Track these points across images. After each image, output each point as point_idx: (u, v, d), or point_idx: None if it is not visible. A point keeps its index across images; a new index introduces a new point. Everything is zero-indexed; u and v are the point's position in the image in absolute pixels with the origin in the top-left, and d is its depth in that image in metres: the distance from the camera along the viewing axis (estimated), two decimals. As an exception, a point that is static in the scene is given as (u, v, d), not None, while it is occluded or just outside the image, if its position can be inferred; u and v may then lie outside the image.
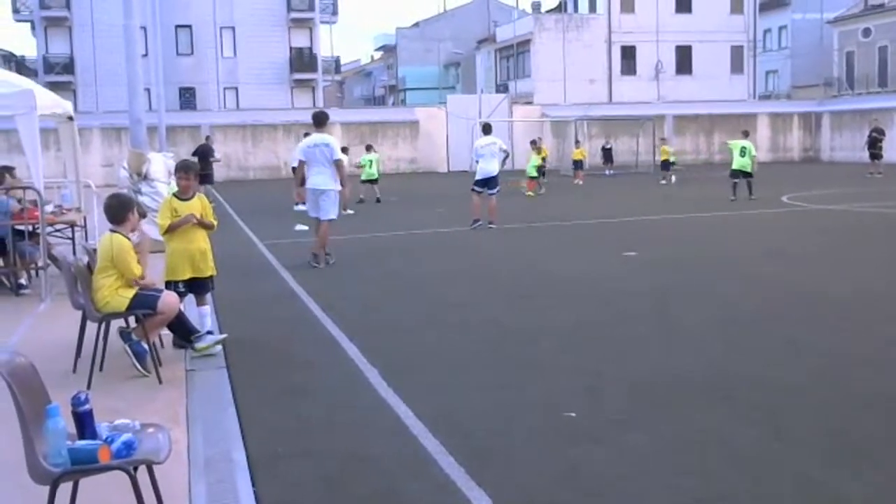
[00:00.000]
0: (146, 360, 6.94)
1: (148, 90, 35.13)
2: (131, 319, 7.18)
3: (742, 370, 6.81)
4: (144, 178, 14.37)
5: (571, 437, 5.43)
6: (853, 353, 7.32)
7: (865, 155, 35.49)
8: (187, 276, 7.86)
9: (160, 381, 6.73)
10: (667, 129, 48.76)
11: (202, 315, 8.11)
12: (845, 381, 6.47)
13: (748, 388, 6.31)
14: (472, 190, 17.88)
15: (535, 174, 28.07)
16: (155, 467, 4.09)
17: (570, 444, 5.30)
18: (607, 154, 40.13)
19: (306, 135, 25.25)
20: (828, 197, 23.68)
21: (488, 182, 17.55)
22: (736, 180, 23.25)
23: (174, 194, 8.13)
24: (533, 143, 29.47)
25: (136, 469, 3.90)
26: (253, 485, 4.81)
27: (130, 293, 6.87)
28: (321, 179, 12.66)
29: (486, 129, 18.48)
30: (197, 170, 8.33)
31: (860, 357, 7.18)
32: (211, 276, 8.10)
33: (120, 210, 6.98)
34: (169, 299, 7.12)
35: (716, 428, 5.50)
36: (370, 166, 25.87)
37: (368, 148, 27.73)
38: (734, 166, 23.50)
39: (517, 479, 4.79)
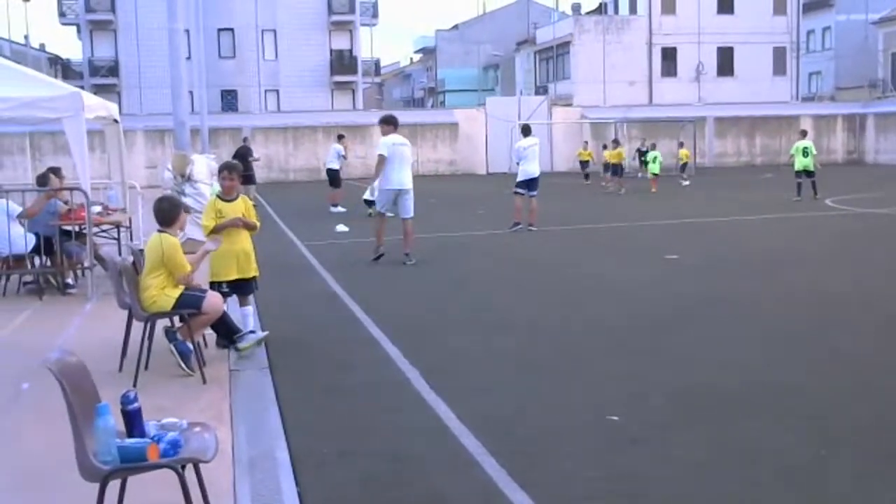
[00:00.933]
0: (191, 359, 7.02)
1: (191, 93, 35.55)
2: (176, 319, 7.27)
3: (784, 378, 6.72)
4: (188, 179, 14.50)
5: (613, 440, 5.41)
6: (900, 358, 7.22)
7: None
8: (232, 276, 7.94)
9: (204, 381, 6.81)
10: (708, 131, 48.39)
11: (245, 315, 8.18)
12: (892, 390, 6.36)
13: (791, 397, 6.23)
14: (515, 192, 17.85)
15: (657, 171, 29.67)
16: (201, 466, 4.14)
17: (612, 447, 5.29)
18: (642, 156, 39.70)
19: (340, 136, 25.58)
20: (872, 200, 23.34)
21: (530, 183, 17.51)
22: (800, 180, 23.86)
23: (218, 195, 8.21)
24: (653, 145, 30.28)
25: (183, 467, 3.95)
26: (297, 484, 4.85)
27: (176, 293, 6.96)
28: (406, 178, 13.17)
29: (526, 130, 18.46)
30: (240, 170, 8.42)
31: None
32: (254, 277, 8.18)
33: (171, 211, 7.09)
34: (213, 300, 7.20)
35: (759, 436, 5.43)
36: None
37: None
38: (798, 167, 24.02)
39: (559, 481, 4.79)
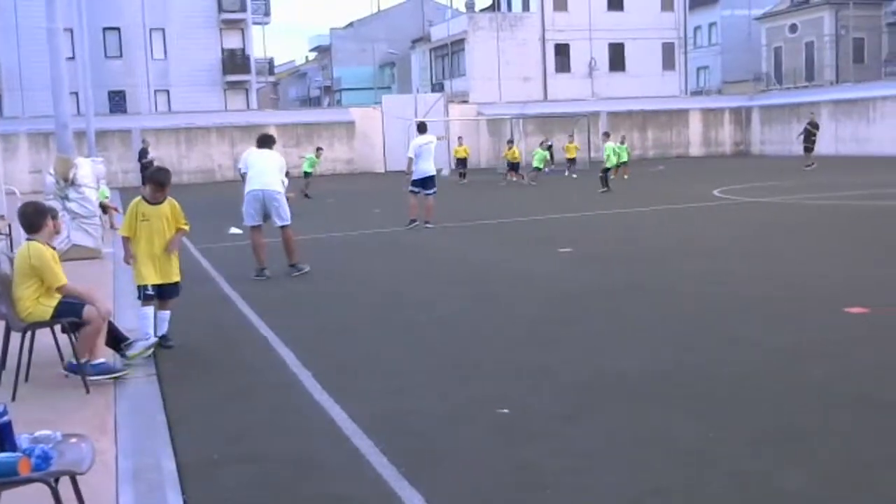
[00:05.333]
0: (114, 367, 6.84)
1: (76, 94, 34.49)
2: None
3: (684, 365, 6.83)
4: (72, 183, 14.07)
5: (511, 435, 5.41)
6: (789, 345, 7.38)
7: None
8: (153, 280, 7.77)
9: (87, 391, 6.58)
10: (601, 125, 49.26)
11: (162, 319, 7.95)
12: (784, 374, 6.50)
13: (690, 383, 6.32)
14: (410, 190, 17.81)
15: (625, 159, 31.64)
16: (80, 478, 4.00)
17: (509, 441, 5.29)
18: (548, 151, 40.01)
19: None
20: (758, 190, 24.12)
21: (425, 182, 17.47)
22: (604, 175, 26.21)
23: (143, 198, 7.94)
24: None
25: (57, 481, 3.81)
26: (183, 492, 4.72)
27: (53, 302, 6.68)
28: (270, 180, 11.93)
29: (421, 127, 18.35)
30: (167, 181, 8.12)
31: (797, 349, 7.23)
32: (177, 282, 8.02)
33: (36, 217, 6.81)
34: (96, 310, 6.91)
35: (658, 423, 5.51)
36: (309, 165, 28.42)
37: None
38: (611, 164, 26.73)
39: (452, 478, 4.77)
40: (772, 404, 5.81)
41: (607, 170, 26.44)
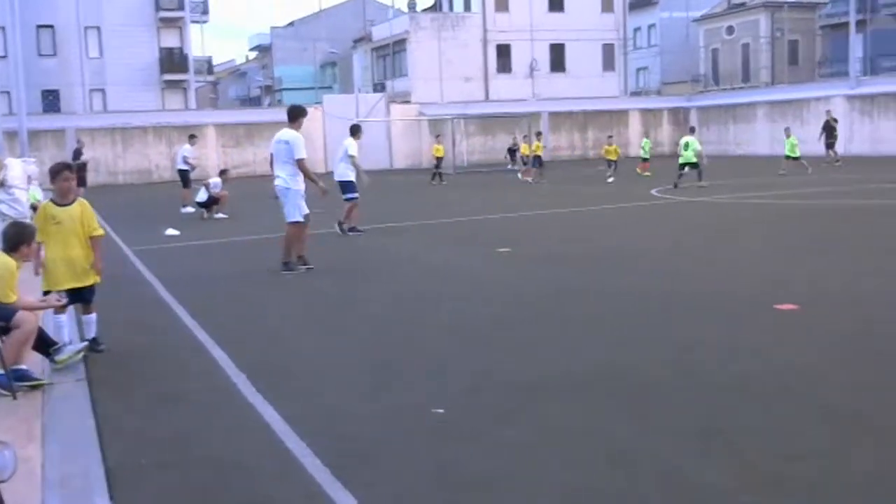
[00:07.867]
0: (31, 375, 6.62)
1: (8, 93, 33.74)
2: None
3: (617, 364, 6.88)
4: (2, 184, 13.77)
5: (447, 435, 5.40)
6: (720, 343, 7.48)
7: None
8: (68, 285, 7.54)
9: (14, 397, 6.42)
10: (543, 125, 49.61)
11: (89, 323, 7.76)
12: (714, 372, 6.58)
13: (623, 382, 6.37)
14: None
15: (647, 157, 33.02)
16: (4, 486, 3.89)
17: (445, 442, 5.28)
18: (512, 153, 41.90)
19: (191, 136, 24.93)
20: (694, 190, 24.45)
21: (339, 187, 16.59)
22: (682, 171, 25.73)
23: (52, 200, 7.69)
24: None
25: (-24, 490, 3.71)
26: (111, 498, 4.63)
27: (-17, 306, 6.53)
28: (279, 175, 12.20)
29: (351, 130, 17.29)
30: (75, 169, 8.03)
31: (728, 347, 7.33)
32: (93, 284, 7.76)
33: (19, 238, 6.87)
34: (27, 315, 6.75)
35: (590, 422, 5.54)
36: None
37: None
38: (682, 160, 26.13)
39: (385, 479, 4.75)
40: (701, 401, 5.88)
41: (693, 165, 25.70)
